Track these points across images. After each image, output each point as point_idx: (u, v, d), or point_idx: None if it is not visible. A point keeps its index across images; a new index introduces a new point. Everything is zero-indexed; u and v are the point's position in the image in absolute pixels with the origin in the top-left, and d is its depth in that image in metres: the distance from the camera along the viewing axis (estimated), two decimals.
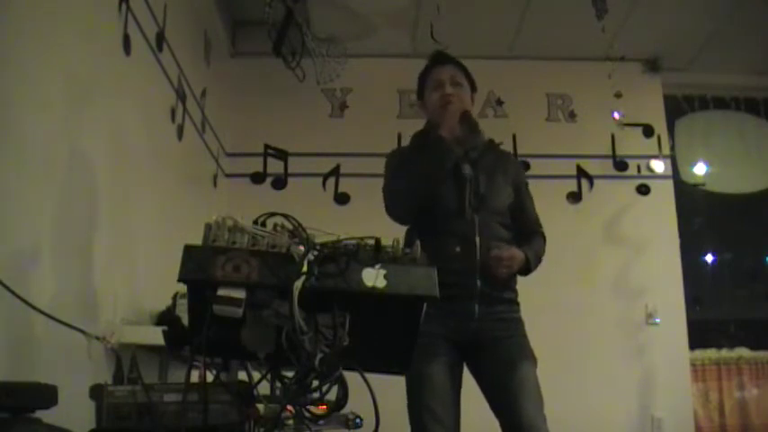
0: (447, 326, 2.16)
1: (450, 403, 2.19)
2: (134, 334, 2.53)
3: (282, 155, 4.69)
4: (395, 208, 2.31)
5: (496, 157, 2.44)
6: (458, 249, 2.23)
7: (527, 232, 2.41)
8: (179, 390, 1.49)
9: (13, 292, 1.75)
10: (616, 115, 4.47)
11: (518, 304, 2.35)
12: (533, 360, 2.24)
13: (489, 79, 4.72)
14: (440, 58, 2.48)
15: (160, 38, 3.14)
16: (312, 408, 1.43)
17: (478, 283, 2.23)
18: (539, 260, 2.38)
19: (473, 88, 2.48)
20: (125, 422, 1.47)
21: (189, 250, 1.31)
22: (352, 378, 1.36)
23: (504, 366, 2.20)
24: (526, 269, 2.32)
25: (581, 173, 4.80)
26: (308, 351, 1.29)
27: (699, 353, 4.87)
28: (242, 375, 1.62)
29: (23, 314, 1.85)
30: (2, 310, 1.76)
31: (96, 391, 1.50)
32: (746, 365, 4.93)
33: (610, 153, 4.84)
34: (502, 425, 2.17)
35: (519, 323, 2.32)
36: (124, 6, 2.70)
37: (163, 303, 2.71)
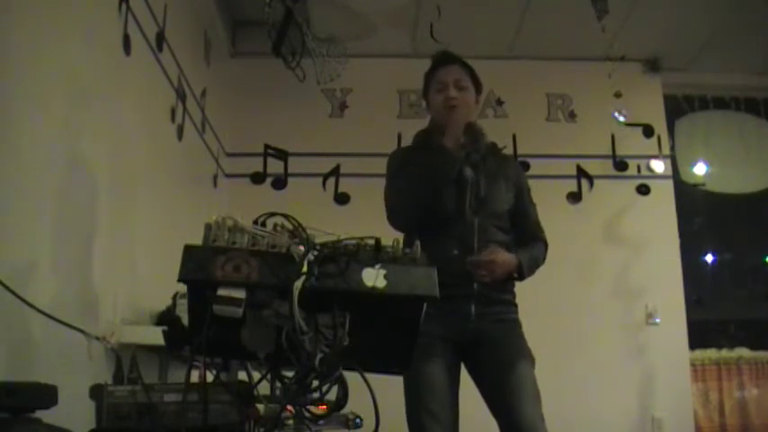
0: (445, 326, 2.16)
1: (448, 403, 2.19)
2: (134, 334, 2.53)
3: (282, 155, 4.69)
4: (395, 211, 2.31)
5: (499, 161, 2.43)
6: (456, 252, 2.22)
7: (527, 238, 2.41)
8: (179, 390, 1.49)
9: (13, 292, 1.75)
10: (618, 116, 4.46)
11: (515, 305, 2.35)
12: (531, 360, 2.24)
13: (489, 79, 4.65)
14: (445, 59, 2.47)
15: (160, 38, 3.14)
16: (312, 408, 1.43)
17: (475, 285, 2.23)
18: (536, 265, 2.37)
19: (478, 90, 2.47)
20: (125, 422, 1.47)
21: (189, 250, 1.31)
22: (352, 378, 1.36)
23: (502, 367, 2.20)
24: (519, 274, 2.31)
25: (581, 173, 4.80)
26: (308, 351, 1.29)
27: (699, 353, 4.87)
28: (242, 375, 1.62)
29: (23, 314, 1.85)
30: (2, 310, 1.76)
31: (96, 391, 1.50)
32: (746, 365, 4.93)
33: (610, 153, 4.84)
34: (500, 425, 2.17)
35: (516, 324, 2.32)
36: (124, 6, 2.70)
37: (163, 303, 2.71)
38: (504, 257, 2.25)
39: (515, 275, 2.31)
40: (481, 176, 2.30)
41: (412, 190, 2.26)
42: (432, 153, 2.30)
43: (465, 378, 2.29)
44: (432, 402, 2.16)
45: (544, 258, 2.43)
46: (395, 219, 2.30)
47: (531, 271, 2.35)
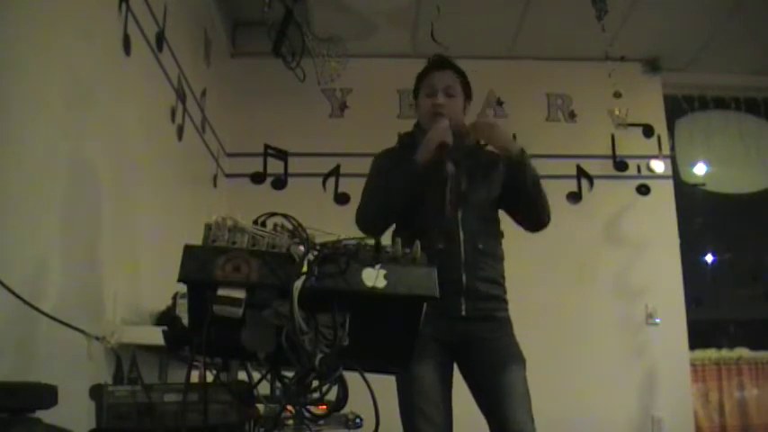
0: (436, 326, 2.14)
1: (440, 403, 2.19)
2: (134, 334, 2.53)
3: (282, 155, 4.69)
4: (364, 221, 2.34)
5: (481, 158, 2.46)
6: (441, 246, 2.23)
7: None
8: (179, 390, 1.49)
9: (13, 293, 1.75)
10: (616, 113, 4.46)
11: (506, 302, 2.35)
12: (521, 360, 2.24)
13: (489, 79, 4.73)
14: (438, 63, 2.48)
15: (160, 38, 3.14)
16: (312, 408, 1.43)
17: (464, 278, 2.23)
18: (537, 175, 2.35)
19: (468, 96, 2.48)
20: (125, 422, 1.48)
21: (189, 250, 1.31)
22: (352, 378, 1.36)
23: (492, 368, 2.20)
24: (520, 158, 2.31)
25: (581, 173, 4.80)
26: (308, 351, 1.29)
27: (699, 353, 4.88)
28: (242, 375, 1.62)
29: (24, 314, 1.84)
30: (2, 310, 1.76)
31: (96, 391, 1.50)
32: (746, 365, 4.93)
33: (610, 153, 4.84)
34: (490, 426, 2.17)
35: (506, 323, 2.32)
36: (124, 6, 2.70)
37: (163, 303, 2.70)
38: (505, 131, 2.35)
39: (518, 158, 2.31)
40: (462, 172, 2.35)
41: (380, 208, 2.32)
42: (405, 173, 2.32)
43: (459, 378, 2.29)
44: (424, 404, 2.16)
45: (547, 201, 2.40)
46: (361, 225, 2.33)
47: (536, 175, 2.34)
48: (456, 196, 2.30)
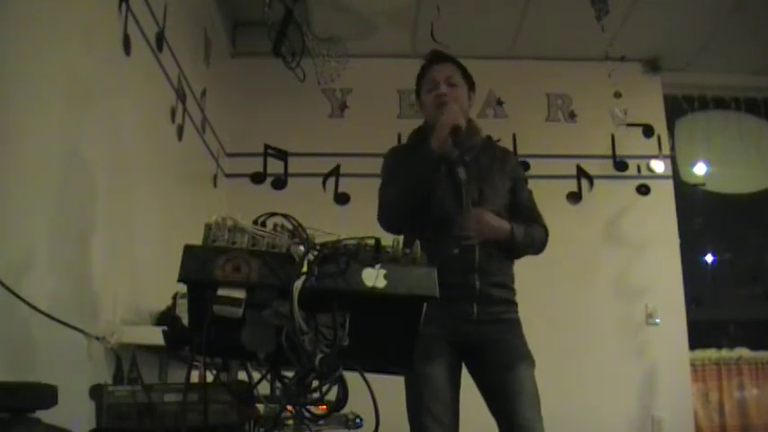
0: (447, 327, 2.16)
1: (449, 403, 2.19)
2: (134, 334, 2.53)
3: (282, 155, 4.70)
4: (385, 214, 2.32)
5: (494, 155, 2.44)
6: (455, 251, 2.23)
7: (524, 220, 2.40)
8: (179, 390, 1.49)
9: (12, 292, 1.75)
10: (616, 112, 4.46)
11: (515, 304, 2.35)
12: (531, 361, 2.24)
13: (489, 79, 4.73)
14: (436, 57, 2.47)
15: (160, 38, 3.14)
16: (312, 408, 1.43)
17: (477, 283, 2.23)
18: (531, 240, 2.34)
19: (471, 87, 2.47)
20: (125, 422, 1.48)
21: (189, 250, 1.31)
22: (352, 378, 1.36)
23: (502, 369, 2.20)
24: (511, 240, 2.29)
25: (581, 173, 4.80)
26: (308, 351, 1.29)
27: (699, 353, 4.88)
28: (242, 375, 1.62)
29: (23, 314, 1.85)
30: (2, 310, 1.76)
31: (96, 391, 1.50)
32: (746, 365, 4.93)
33: (610, 153, 4.84)
34: (500, 427, 2.17)
35: (516, 324, 2.32)
36: (124, 6, 2.70)
37: (163, 303, 2.71)
38: (495, 218, 2.28)
39: (507, 241, 2.30)
40: (477, 174, 2.32)
41: (400, 195, 2.28)
42: (417, 157, 2.31)
43: (465, 378, 2.29)
44: (434, 404, 2.16)
45: (543, 242, 2.40)
46: (384, 219, 2.32)
47: (526, 243, 2.33)
48: (471, 202, 2.27)
